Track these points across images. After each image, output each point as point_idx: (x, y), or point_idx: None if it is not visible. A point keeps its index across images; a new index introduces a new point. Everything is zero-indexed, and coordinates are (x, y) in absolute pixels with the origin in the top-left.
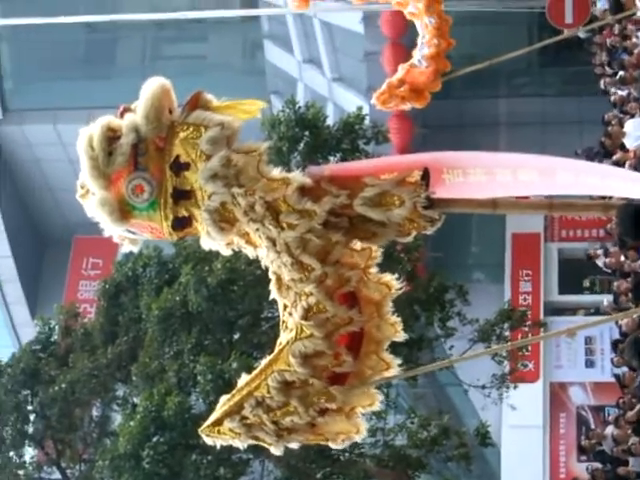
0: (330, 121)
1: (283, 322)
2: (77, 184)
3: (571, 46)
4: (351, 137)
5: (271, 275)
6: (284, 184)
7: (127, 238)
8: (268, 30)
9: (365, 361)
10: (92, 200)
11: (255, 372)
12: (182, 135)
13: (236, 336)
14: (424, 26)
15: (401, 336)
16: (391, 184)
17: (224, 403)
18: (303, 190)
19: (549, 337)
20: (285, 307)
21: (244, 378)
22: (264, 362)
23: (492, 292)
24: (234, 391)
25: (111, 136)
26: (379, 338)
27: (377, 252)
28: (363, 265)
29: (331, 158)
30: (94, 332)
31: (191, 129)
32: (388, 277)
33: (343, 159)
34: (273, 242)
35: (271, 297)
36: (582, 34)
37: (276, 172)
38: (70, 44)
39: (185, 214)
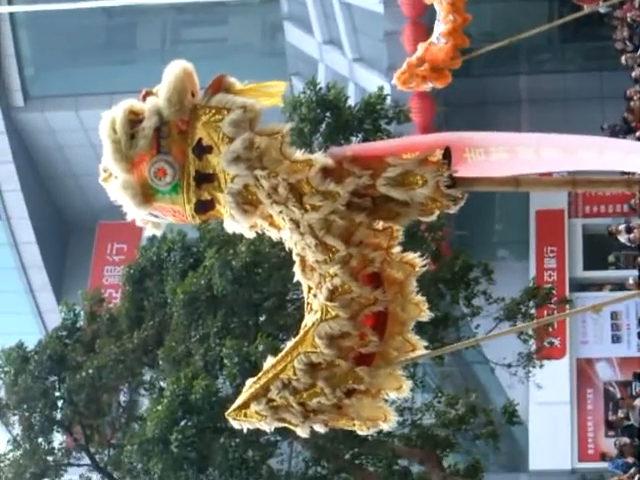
0: (351, 101)
1: (308, 304)
2: (100, 168)
3: (591, 21)
4: (373, 117)
5: (295, 257)
6: (307, 166)
7: (150, 221)
8: (288, 11)
9: (390, 342)
10: (115, 183)
11: (281, 354)
12: (204, 118)
13: (262, 318)
14: (439, 3)
15: (426, 315)
16: (414, 163)
17: (250, 386)
18: (326, 171)
19: (574, 314)
20: (309, 289)
21: (270, 361)
22: (290, 344)
23: (517, 269)
24: (260, 374)
25: (134, 119)
26: (404, 318)
27: (399, 231)
28: (386, 245)
29: (353, 139)
30: (120, 317)
31: (213, 112)
32: (411, 256)
33: (365, 139)
34: (297, 224)
35: (296, 279)
36: (602, 9)
37: (299, 154)
38: (90, 30)
39: (208, 197)
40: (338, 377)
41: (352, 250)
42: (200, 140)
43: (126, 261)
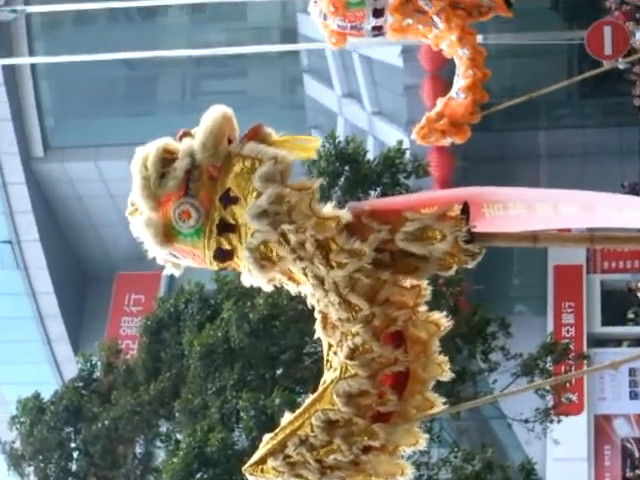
0: (370, 155)
1: (327, 361)
2: (128, 202)
3: (611, 77)
4: (391, 171)
5: (317, 314)
6: (335, 222)
7: (170, 261)
8: (307, 64)
9: (410, 401)
10: (139, 219)
11: (298, 411)
12: (236, 168)
13: (278, 371)
14: (459, 58)
15: (447, 375)
16: (432, 218)
17: (267, 442)
18: (347, 227)
19: (592, 372)
20: (330, 346)
21: (287, 417)
22: (308, 401)
23: (535, 324)
24: (277, 430)
25: (167, 158)
26: (425, 378)
27: (426, 290)
28: (412, 303)
29: (371, 192)
30: (136, 369)
31: (245, 162)
32: (437, 315)
33: (384, 193)
34: (321, 281)
35: (315, 335)
36: (622, 65)
37: (327, 209)
38: (110, 81)
39: (228, 247)
40: (355, 434)
41: (375, 309)
42: (228, 190)
43: (144, 312)
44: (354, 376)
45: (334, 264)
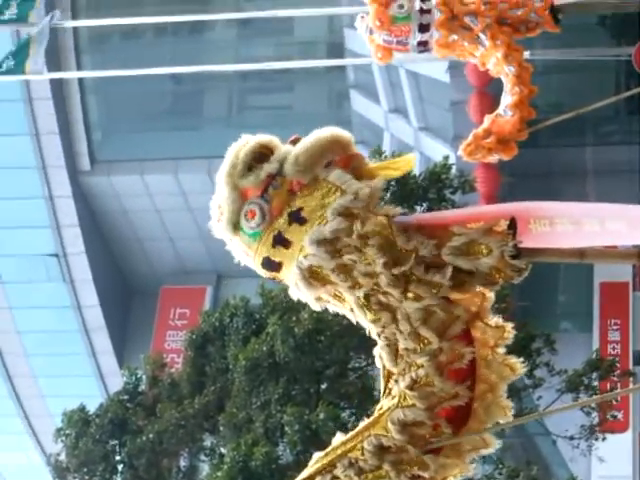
0: (417, 171)
1: (386, 389)
2: (212, 207)
3: None
4: (437, 186)
5: (380, 340)
6: (413, 253)
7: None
8: (354, 80)
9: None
10: (220, 192)
11: (351, 434)
12: (317, 193)
13: (323, 386)
14: (505, 75)
15: (509, 418)
16: (478, 233)
17: (317, 460)
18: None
19: (638, 390)
20: (390, 375)
21: (339, 437)
22: (361, 425)
23: (580, 341)
24: (328, 449)
25: (263, 153)
26: (485, 420)
27: (510, 333)
28: (492, 343)
29: (417, 208)
30: (181, 382)
31: (328, 188)
32: (514, 360)
33: (429, 208)
34: (389, 309)
35: (357, 346)
36: None
37: (404, 240)
38: (157, 95)
39: (277, 259)
40: (405, 462)
41: (444, 344)
42: (301, 209)
43: (188, 326)
44: (412, 406)
45: (411, 295)
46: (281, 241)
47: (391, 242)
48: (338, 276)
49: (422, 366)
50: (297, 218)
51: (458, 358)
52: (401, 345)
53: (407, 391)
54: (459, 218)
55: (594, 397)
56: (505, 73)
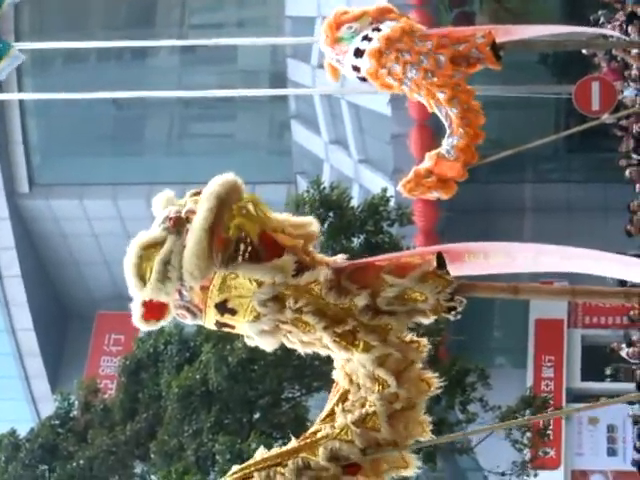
0: (355, 202)
1: (330, 413)
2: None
3: (597, 133)
4: (375, 219)
5: (339, 368)
6: (352, 305)
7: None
8: (295, 110)
9: (385, 457)
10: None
11: (278, 450)
12: (234, 283)
13: (256, 416)
14: (448, 117)
15: (428, 437)
16: (412, 281)
17: (235, 471)
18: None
19: (568, 413)
20: (342, 400)
21: (261, 452)
22: (292, 444)
23: (514, 377)
24: (249, 462)
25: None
26: (404, 436)
27: (425, 347)
28: (411, 359)
29: (355, 239)
30: (114, 408)
31: (242, 280)
32: (429, 374)
33: (367, 240)
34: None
35: (290, 376)
36: (608, 121)
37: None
38: (98, 120)
39: (228, 322)
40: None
41: (402, 392)
42: (225, 301)
43: (123, 352)
44: (350, 442)
45: (360, 345)
46: (223, 325)
47: (324, 304)
48: (289, 339)
49: (374, 406)
50: (226, 309)
51: (411, 406)
52: (360, 380)
53: (352, 427)
54: (391, 261)
55: (524, 419)
56: (449, 116)
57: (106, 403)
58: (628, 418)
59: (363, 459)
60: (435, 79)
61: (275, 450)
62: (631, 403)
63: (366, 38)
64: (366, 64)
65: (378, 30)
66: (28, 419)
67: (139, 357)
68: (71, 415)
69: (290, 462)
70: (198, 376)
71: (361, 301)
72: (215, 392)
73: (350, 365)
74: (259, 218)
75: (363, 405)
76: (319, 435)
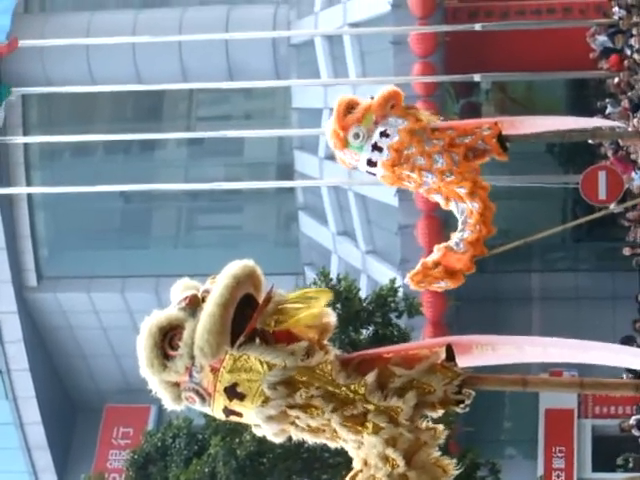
0: (363, 293)
1: None
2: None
3: (605, 222)
4: (384, 310)
5: (354, 455)
6: (361, 386)
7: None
8: (303, 202)
9: None
10: (152, 384)
11: None
12: (245, 366)
13: None
14: (468, 211)
15: None
16: (419, 373)
17: None
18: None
19: None
20: (355, 477)
21: None
22: None
23: (525, 468)
24: None
25: (171, 330)
26: None
27: (442, 433)
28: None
29: (363, 331)
30: None
31: (252, 362)
32: (447, 461)
33: (375, 332)
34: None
35: (300, 469)
36: (615, 210)
37: (343, 377)
38: (106, 213)
39: (236, 409)
40: None
41: (411, 474)
42: (235, 385)
43: (132, 445)
44: None
45: (369, 426)
46: (231, 412)
47: (333, 385)
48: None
49: None
50: (234, 394)
51: None
52: (372, 461)
53: None
54: (399, 353)
55: None
56: (469, 209)
57: None
58: None
59: None
60: (453, 177)
61: None
62: None
63: (376, 148)
64: (381, 173)
65: (386, 136)
66: None
67: (147, 451)
68: None
69: None
70: (207, 469)
71: (371, 378)
72: None
73: (363, 450)
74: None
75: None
76: None
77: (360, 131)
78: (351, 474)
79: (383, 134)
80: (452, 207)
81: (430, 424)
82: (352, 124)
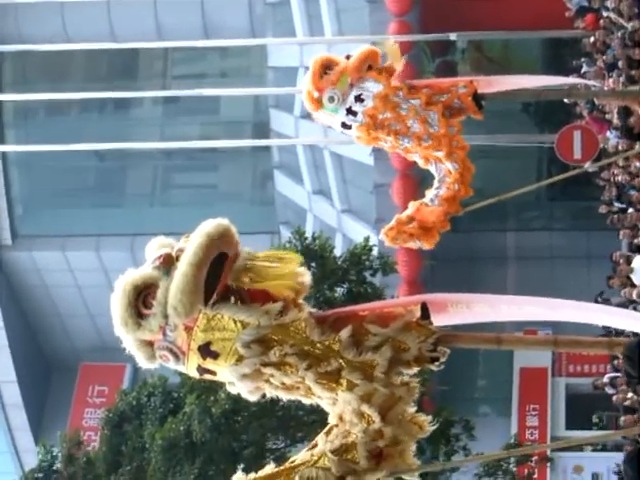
0: (339, 252)
1: (314, 445)
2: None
3: (580, 181)
4: (358, 268)
5: (330, 410)
6: (336, 342)
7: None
8: (278, 160)
9: None
10: (126, 342)
11: (252, 477)
12: (218, 325)
13: (240, 467)
14: (446, 171)
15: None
16: (395, 331)
17: None
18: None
19: (553, 447)
20: (328, 433)
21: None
22: (267, 471)
23: (499, 426)
24: None
25: (145, 289)
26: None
27: (416, 388)
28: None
29: (338, 289)
30: (97, 461)
31: (226, 321)
32: (422, 417)
33: (350, 290)
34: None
35: (275, 427)
36: (590, 169)
37: (318, 333)
38: (80, 172)
39: (209, 367)
40: None
41: (387, 430)
42: (209, 344)
43: (107, 404)
44: (326, 469)
45: (344, 382)
46: (205, 370)
47: (308, 342)
48: (271, 384)
49: (356, 439)
50: (208, 352)
51: (392, 444)
52: (347, 417)
53: (330, 454)
54: (374, 311)
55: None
56: (447, 169)
57: (89, 455)
58: (612, 467)
59: None
60: (430, 142)
61: (251, 476)
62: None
63: (350, 112)
64: (356, 134)
65: (361, 100)
66: (11, 471)
67: (122, 409)
68: (54, 468)
69: None
70: (182, 428)
71: (345, 333)
72: (199, 444)
73: (338, 406)
74: (264, 278)
75: (346, 437)
76: (297, 462)
77: (335, 94)
78: (326, 429)
79: (358, 99)
80: (431, 167)
81: (405, 378)
82: (327, 86)
